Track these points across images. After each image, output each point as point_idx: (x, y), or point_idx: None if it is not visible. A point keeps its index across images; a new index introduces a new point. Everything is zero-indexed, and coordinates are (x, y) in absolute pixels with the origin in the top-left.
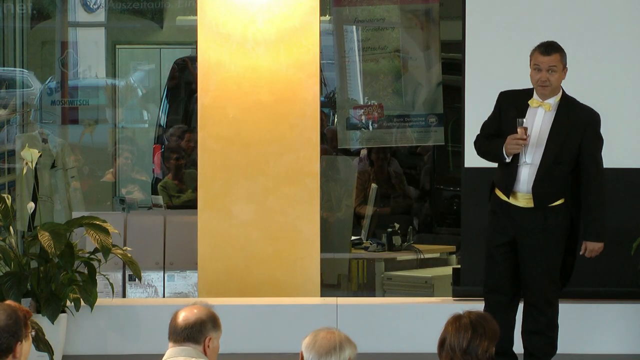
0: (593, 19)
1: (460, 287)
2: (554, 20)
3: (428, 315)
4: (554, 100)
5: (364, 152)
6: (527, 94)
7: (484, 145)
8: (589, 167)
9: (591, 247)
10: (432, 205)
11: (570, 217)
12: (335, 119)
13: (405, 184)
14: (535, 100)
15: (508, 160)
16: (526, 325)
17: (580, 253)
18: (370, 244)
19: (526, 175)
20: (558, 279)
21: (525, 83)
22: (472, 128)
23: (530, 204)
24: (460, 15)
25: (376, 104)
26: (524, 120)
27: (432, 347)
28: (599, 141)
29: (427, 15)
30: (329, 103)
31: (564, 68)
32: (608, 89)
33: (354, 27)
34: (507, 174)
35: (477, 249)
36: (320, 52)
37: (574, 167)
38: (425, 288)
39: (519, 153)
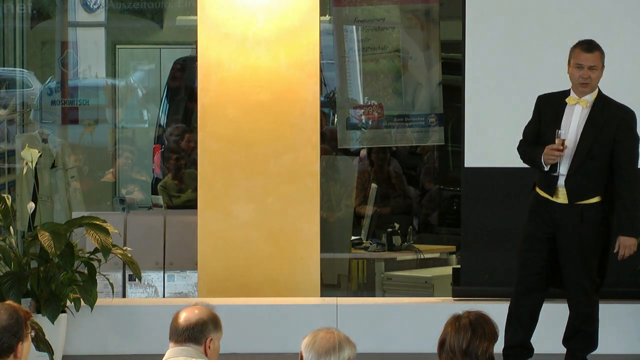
0: (593, 18)
1: (460, 287)
2: (554, 20)
3: (428, 315)
4: (590, 98)
5: (364, 152)
6: (563, 94)
7: (525, 153)
8: (622, 163)
9: (625, 243)
10: (432, 205)
11: (605, 215)
12: (335, 119)
13: (405, 184)
14: (572, 97)
15: (546, 169)
16: (568, 323)
17: (615, 251)
18: (370, 244)
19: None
20: (595, 275)
21: (525, 82)
22: (472, 128)
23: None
24: (460, 15)
25: (376, 104)
26: (562, 132)
27: (432, 347)
28: (633, 138)
29: (427, 15)
30: (329, 103)
31: (603, 66)
32: (610, 88)
33: (354, 27)
34: (547, 175)
35: (477, 248)
36: (320, 52)
37: (608, 165)
38: (425, 288)
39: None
